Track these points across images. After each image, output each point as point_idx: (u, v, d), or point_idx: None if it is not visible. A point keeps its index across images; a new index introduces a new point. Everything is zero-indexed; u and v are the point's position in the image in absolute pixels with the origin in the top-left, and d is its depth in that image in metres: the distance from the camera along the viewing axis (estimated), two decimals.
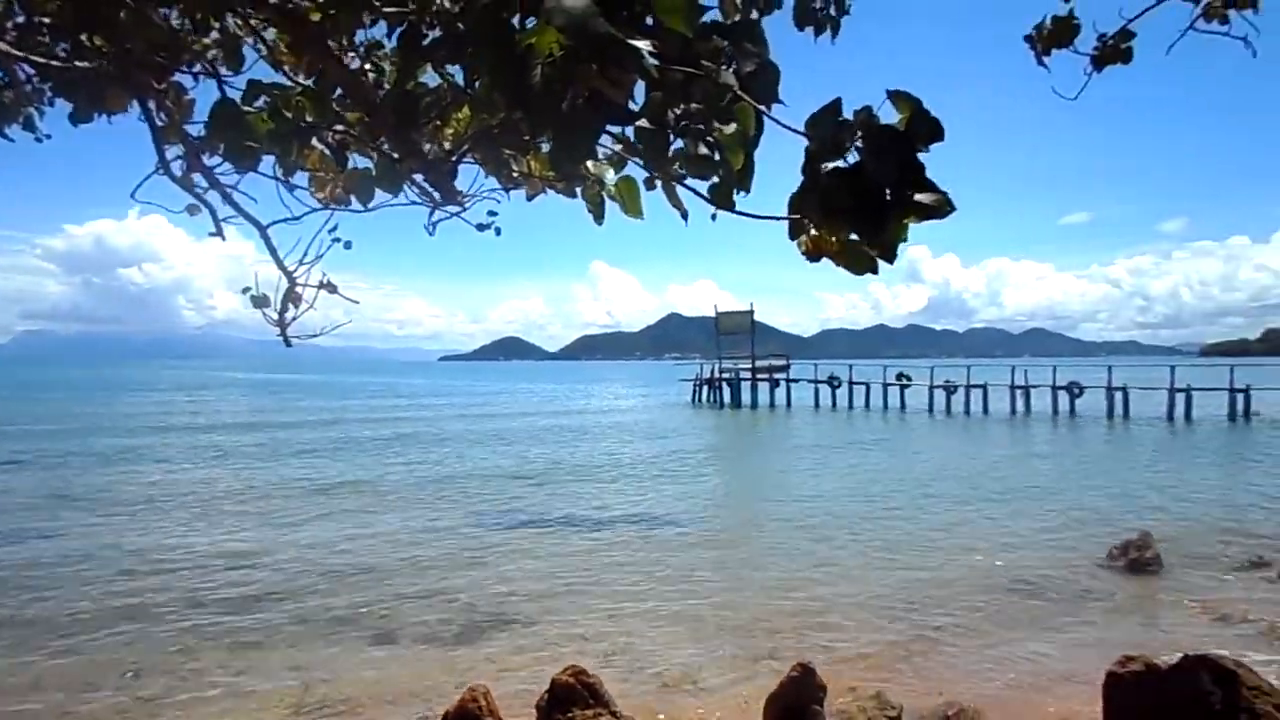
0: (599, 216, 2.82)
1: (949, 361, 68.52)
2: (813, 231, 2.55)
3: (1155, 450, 30.85)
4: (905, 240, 2.50)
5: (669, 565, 13.90)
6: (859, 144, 2.23)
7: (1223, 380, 42.58)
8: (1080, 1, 4.50)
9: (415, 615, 11.33)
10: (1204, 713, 5.05)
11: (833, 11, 4.41)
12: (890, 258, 2.38)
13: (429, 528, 17.23)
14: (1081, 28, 4.44)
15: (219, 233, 3.35)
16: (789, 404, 57.81)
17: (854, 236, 2.46)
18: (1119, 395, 44.46)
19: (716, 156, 2.39)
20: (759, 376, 60.48)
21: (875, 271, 2.54)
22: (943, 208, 2.30)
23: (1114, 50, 4.32)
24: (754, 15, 3.12)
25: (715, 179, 2.48)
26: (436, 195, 3.07)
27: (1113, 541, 13.63)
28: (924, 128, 2.19)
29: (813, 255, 2.58)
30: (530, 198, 3.14)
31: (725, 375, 61.80)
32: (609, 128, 2.39)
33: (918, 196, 2.27)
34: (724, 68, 2.16)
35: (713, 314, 63.17)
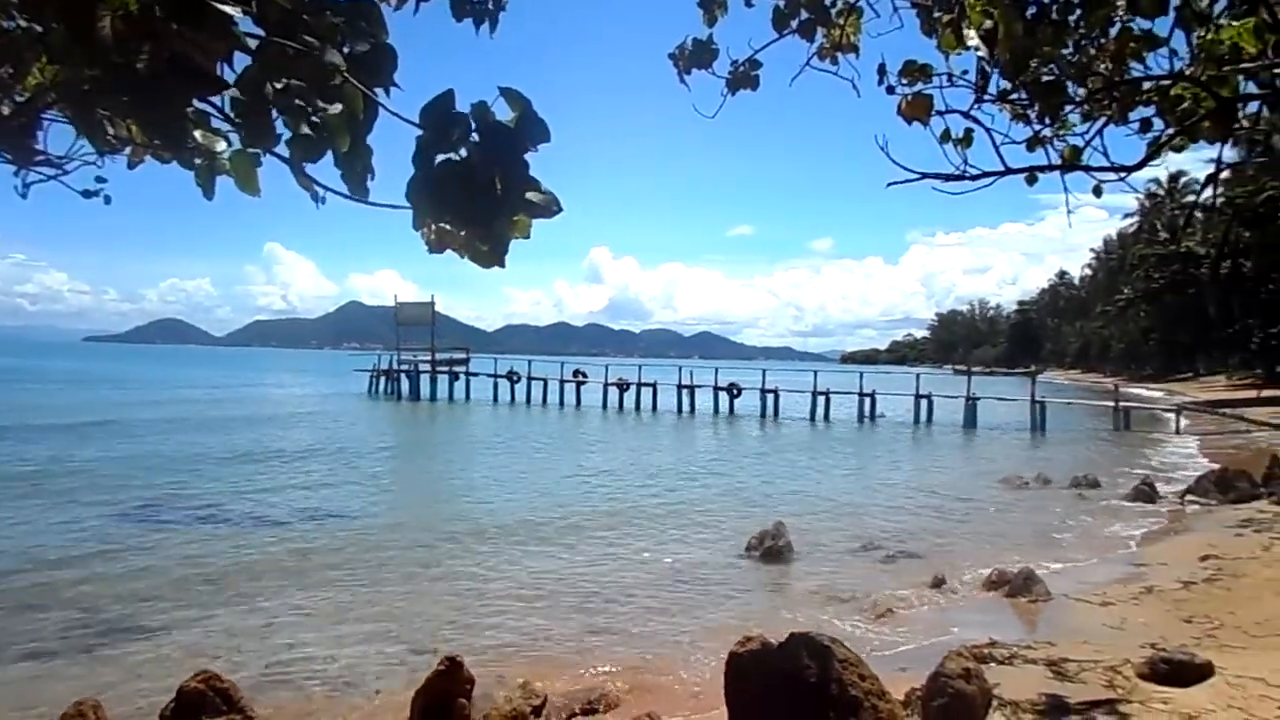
0: (208, 191, 2.63)
1: (624, 360, 71.50)
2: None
3: (799, 447, 34.04)
4: (528, 237, 2.55)
5: (328, 561, 13.38)
6: (474, 139, 2.25)
7: (856, 385, 47.56)
8: (721, 30, 4.84)
9: (31, 622, 10.09)
10: (803, 685, 5.61)
11: (490, 5, 4.44)
12: (500, 254, 2.42)
13: (51, 526, 15.38)
14: (719, 53, 4.75)
15: None
16: (468, 397, 57.63)
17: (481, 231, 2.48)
18: (771, 396, 48.46)
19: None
20: (439, 369, 59.85)
21: (502, 265, 2.57)
22: (550, 207, 2.37)
23: (744, 76, 4.69)
24: None
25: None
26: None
27: (754, 532, 14.81)
28: (533, 128, 2.24)
29: (436, 247, 2.55)
30: (132, 165, 2.87)
31: (404, 367, 60.51)
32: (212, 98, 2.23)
33: (528, 195, 2.32)
34: (331, 47, 2.08)
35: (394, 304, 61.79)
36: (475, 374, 60.82)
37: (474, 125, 2.21)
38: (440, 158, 2.22)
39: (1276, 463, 19.20)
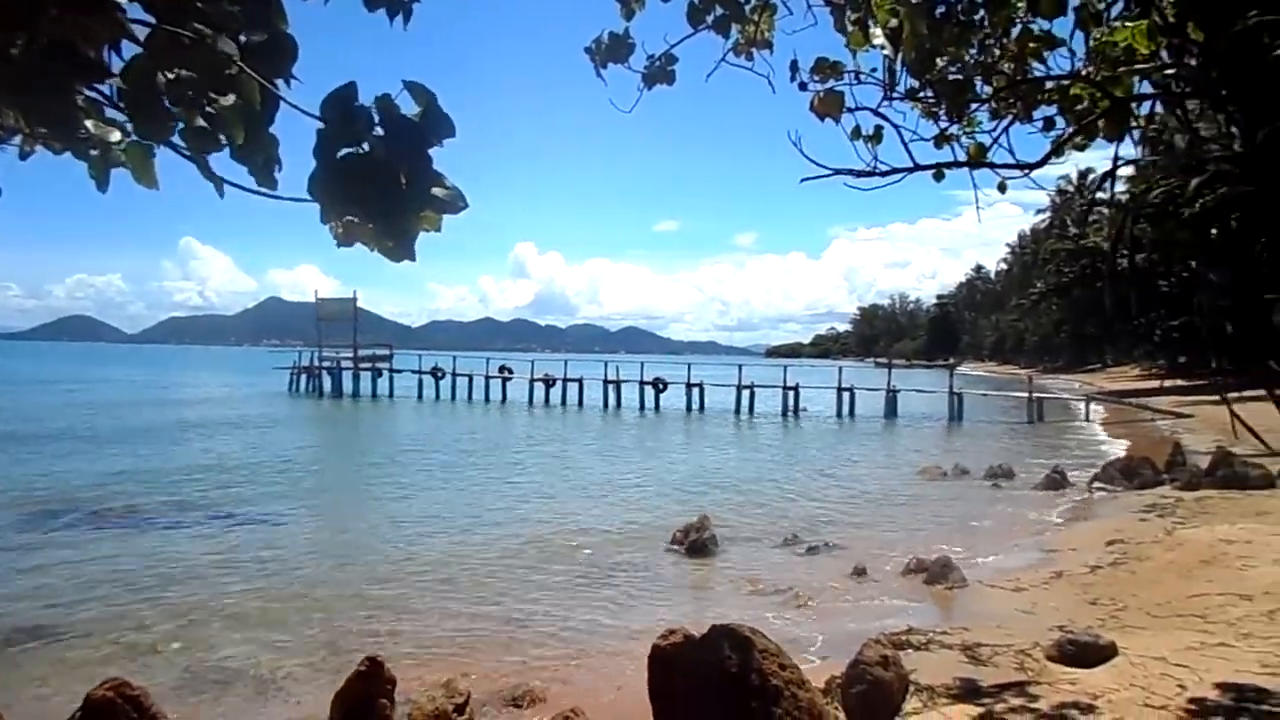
0: (101, 184, 2.54)
1: (550, 356, 71.26)
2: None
3: (723, 440, 34.37)
4: (439, 231, 2.52)
5: (247, 564, 13.08)
6: (378, 133, 2.21)
7: (780, 379, 48.13)
8: (639, 24, 4.84)
9: None
10: (725, 676, 5.66)
11: None
12: (408, 249, 2.38)
13: None
14: (636, 47, 4.75)
15: None
16: (391, 394, 56.87)
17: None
18: (696, 391, 48.77)
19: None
20: (361, 366, 59.00)
21: (412, 259, 2.53)
22: (456, 202, 2.34)
23: (661, 71, 4.70)
24: None
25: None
26: None
27: (678, 526, 14.89)
28: (438, 122, 2.21)
29: (344, 240, 2.50)
30: (24, 156, 2.76)
31: (325, 364, 59.48)
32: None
33: (434, 190, 2.30)
34: (226, 36, 2.03)
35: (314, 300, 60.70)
36: (399, 370, 60.05)
37: (378, 119, 2.18)
38: (343, 151, 2.18)
39: (1178, 450, 19.98)
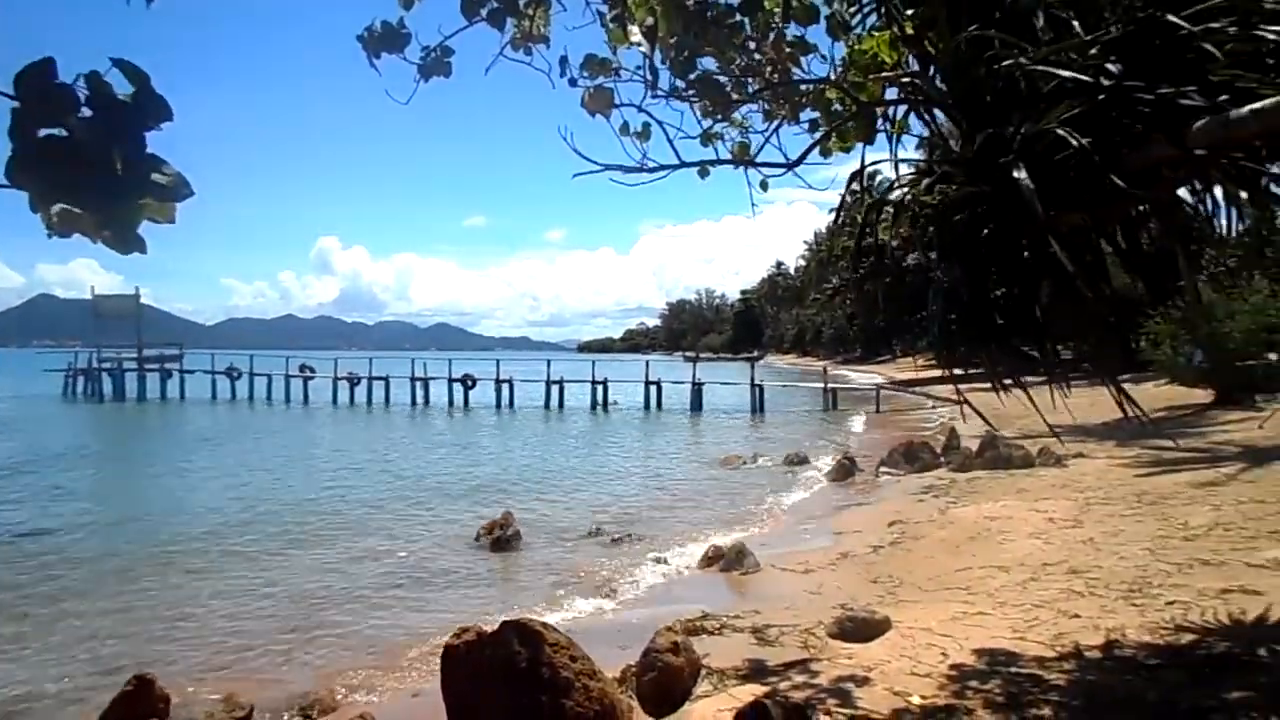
0: None
1: (356, 354, 68.78)
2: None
3: (532, 436, 34.33)
4: (172, 222, 2.36)
5: (11, 583, 12.00)
6: (85, 113, 2.05)
7: (589, 373, 48.48)
8: (418, 16, 4.71)
9: None
10: (514, 671, 5.65)
11: None
12: (129, 238, 2.23)
13: None
14: (411, 38, 4.63)
15: None
16: (183, 396, 53.50)
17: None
18: (506, 387, 48.45)
19: None
20: (147, 367, 55.17)
21: (142, 251, 2.36)
22: (179, 189, 2.21)
23: (437, 63, 4.61)
24: None
25: None
26: None
27: (483, 521, 14.74)
28: (153, 104, 2.08)
29: (59, 230, 2.31)
30: None
31: (106, 365, 55.21)
32: None
33: (153, 176, 2.16)
34: None
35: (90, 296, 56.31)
36: (190, 371, 56.54)
37: (84, 99, 2.02)
38: (43, 132, 2.01)
39: (953, 435, 21.47)
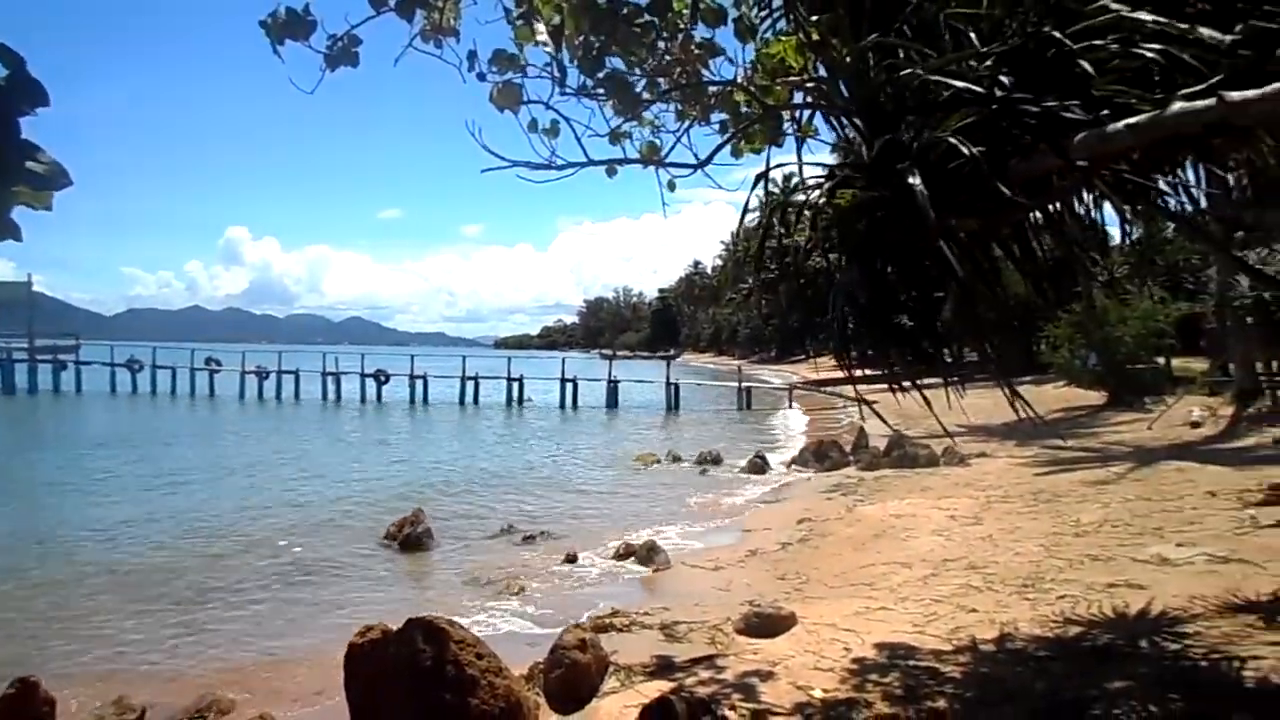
0: None
1: (265, 347, 66.93)
2: None
3: (445, 433, 33.96)
4: (49, 209, 2.28)
5: None
6: None
7: (505, 370, 48.06)
8: (323, 2, 4.61)
9: None
10: (418, 670, 5.60)
11: None
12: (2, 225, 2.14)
13: None
14: (317, 25, 4.53)
15: None
16: (79, 389, 51.24)
17: None
18: (420, 382, 47.79)
19: None
20: (39, 358, 52.83)
21: (18, 239, 2.27)
22: (56, 178, 2.13)
23: (344, 52, 4.52)
24: None
25: None
26: None
27: (392, 519, 14.51)
28: (28, 89, 2.00)
29: None
30: None
31: None
32: None
33: (27, 163, 2.08)
34: None
35: None
36: (87, 363, 54.25)
37: None
38: None
39: (862, 434, 21.95)
